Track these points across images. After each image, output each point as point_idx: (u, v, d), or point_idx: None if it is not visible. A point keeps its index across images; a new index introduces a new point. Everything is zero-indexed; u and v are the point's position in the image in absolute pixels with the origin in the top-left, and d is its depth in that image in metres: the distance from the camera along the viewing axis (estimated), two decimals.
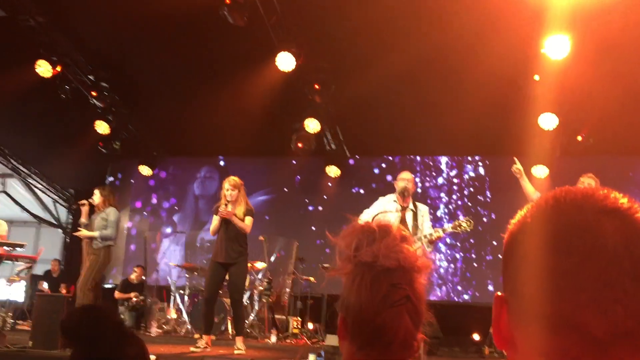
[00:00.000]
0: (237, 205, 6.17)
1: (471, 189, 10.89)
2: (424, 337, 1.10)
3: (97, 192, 7.24)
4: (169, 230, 12.30)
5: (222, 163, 12.12)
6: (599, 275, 0.57)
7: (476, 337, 9.57)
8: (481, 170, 10.96)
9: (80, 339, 1.28)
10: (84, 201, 7.20)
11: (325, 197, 11.52)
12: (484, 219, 10.70)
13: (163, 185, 12.72)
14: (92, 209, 7.26)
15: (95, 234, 6.88)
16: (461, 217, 5.54)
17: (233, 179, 6.25)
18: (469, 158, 11.06)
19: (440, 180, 11.13)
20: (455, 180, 11.06)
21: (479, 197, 10.81)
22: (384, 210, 5.59)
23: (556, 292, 0.59)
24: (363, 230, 1.11)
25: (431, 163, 11.24)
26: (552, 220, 0.62)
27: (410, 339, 1.06)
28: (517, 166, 5.82)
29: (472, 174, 11.00)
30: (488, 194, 10.76)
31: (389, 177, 11.03)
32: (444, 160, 11.20)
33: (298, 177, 11.87)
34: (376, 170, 11.45)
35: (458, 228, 5.37)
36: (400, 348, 1.05)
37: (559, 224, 0.61)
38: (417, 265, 1.09)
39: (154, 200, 12.58)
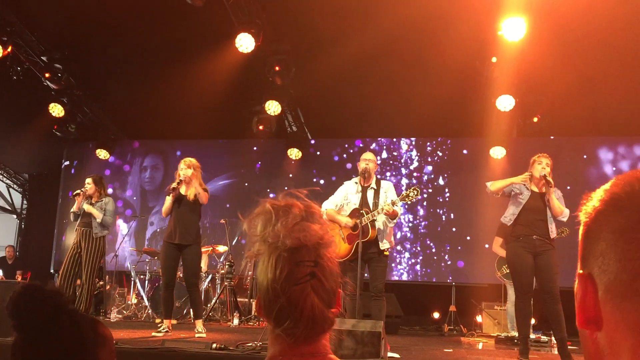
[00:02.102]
0: (189, 187, 6.13)
1: (430, 190, 10.96)
2: (336, 310, 1.11)
3: (89, 181, 7.20)
4: (127, 215, 12.09)
5: (178, 153, 11.84)
6: None
7: (436, 315, 9.78)
8: (441, 180, 11.01)
9: (24, 322, 1.22)
10: (79, 191, 7.16)
11: (286, 187, 11.41)
12: (443, 217, 10.84)
13: (119, 176, 12.43)
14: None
15: (100, 214, 6.94)
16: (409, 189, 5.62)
17: (188, 160, 6.19)
18: (429, 143, 11.14)
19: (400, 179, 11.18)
20: (415, 174, 11.13)
21: (438, 198, 10.91)
22: (345, 194, 5.66)
23: None
24: (264, 212, 1.11)
25: (392, 161, 11.26)
26: None
27: (319, 313, 1.06)
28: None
29: (430, 168, 11.08)
30: (447, 193, 10.87)
31: (349, 165, 11.07)
32: (404, 146, 11.25)
33: (259, 163, 11.77)
34: (336, 158, 11.42)
35: (406, 198, 5.44)
36: (309, 323, 1.05)
37: None
38: (323, 241, 1.10)
39: (110, 190, 12.33)
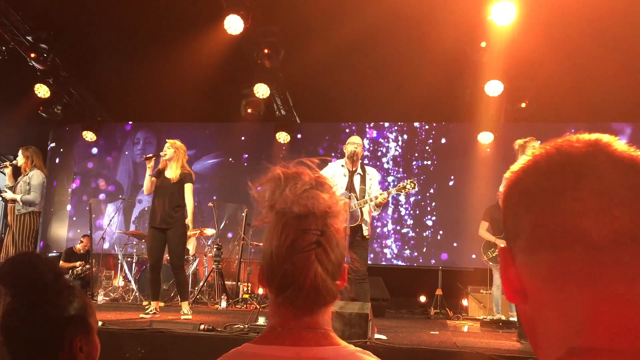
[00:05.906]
0: (170, 169, 6.08)
1: (417, 174, 10.96)
2: (341, 284, 1.09)
3: (20, 152, 6.78)
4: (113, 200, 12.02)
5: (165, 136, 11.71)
6: (596, 189, 0.61)
7: (422, 299, 9.86)
8: (428, 164, 10.99)
9: (16, 285, 1.22)
10: (6, 163, 6.82)
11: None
12: (431, 202, 10.87)
13: (102, 168, 12.31)
14: (19, 171, 6.84)
15: (17, 197, 6.53)
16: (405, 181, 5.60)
17: (173, 140, 6.15)
18: (417, 128, 11.14)
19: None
20: (402, 159, 11.13)
21: (425, 183, 10.92)
22: (332, 176, 5.62)
23: (558, 209, 0.62)
24: (274, 178, 1.09)
25: (379, 146, 11.24)
26: (552, 160, 0.66)
27: (322, 283, 1.04)
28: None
29: (417, 153, 11.08)
30: (434, 179, 10.91)
31: (335, 159, 11.05)
32: (392, 131, 11.26)
33: (245, 155, 11.67)
34: (321, 152, 11.38)
35: (402, 190, 5.46)
36: (312, 293, 1.03)
37: (557, 162, 0.66)
38: (331, 211, 1.07)
39: (94, 184, 12.23)
